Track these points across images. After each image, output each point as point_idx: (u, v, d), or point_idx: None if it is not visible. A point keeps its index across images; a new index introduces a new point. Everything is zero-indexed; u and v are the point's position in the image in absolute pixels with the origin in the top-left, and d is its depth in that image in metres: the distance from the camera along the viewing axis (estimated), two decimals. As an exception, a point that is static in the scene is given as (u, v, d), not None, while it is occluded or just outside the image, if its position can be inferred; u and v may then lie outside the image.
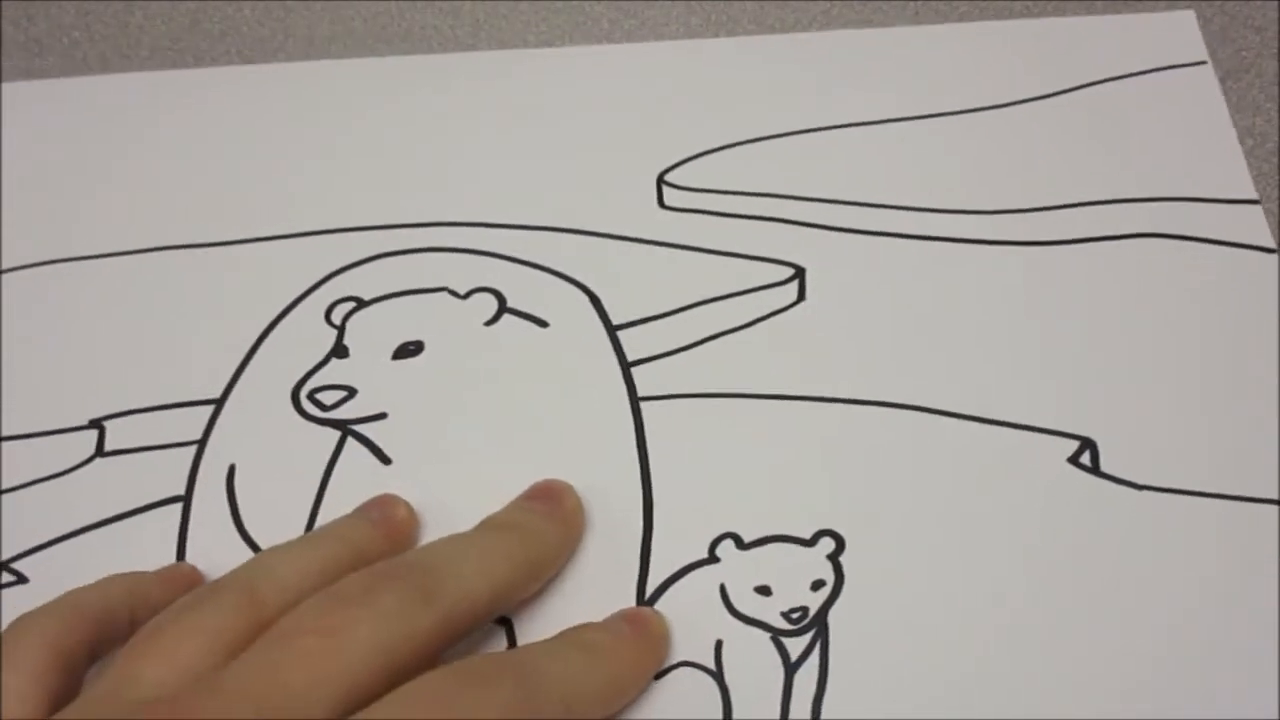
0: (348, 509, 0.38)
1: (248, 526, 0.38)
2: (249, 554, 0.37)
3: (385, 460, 0.39)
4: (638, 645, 0.34)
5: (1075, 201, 0.43)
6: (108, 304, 0.43)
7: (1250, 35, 0.46)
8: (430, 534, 0.38)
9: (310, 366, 0.41)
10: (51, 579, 0.35)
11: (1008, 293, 0.41)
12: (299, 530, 0.38)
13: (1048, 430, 0.38)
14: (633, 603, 0.36)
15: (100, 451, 0.40)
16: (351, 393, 0.40)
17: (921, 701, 0.34)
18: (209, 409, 0.40)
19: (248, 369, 0.41)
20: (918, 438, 0.38)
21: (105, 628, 0.33)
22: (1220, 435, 0.38)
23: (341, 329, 0.42)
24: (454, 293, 0.42)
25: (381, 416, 0.40)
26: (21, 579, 0.37)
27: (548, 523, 0.36)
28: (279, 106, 0.48)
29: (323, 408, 0.40)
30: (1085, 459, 0.38)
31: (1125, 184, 0.43)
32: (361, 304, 0.42)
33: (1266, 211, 0.42)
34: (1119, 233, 0.42)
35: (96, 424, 0.40)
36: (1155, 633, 0.35)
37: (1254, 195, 0.42)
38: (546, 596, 0.36)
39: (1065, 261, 0.42)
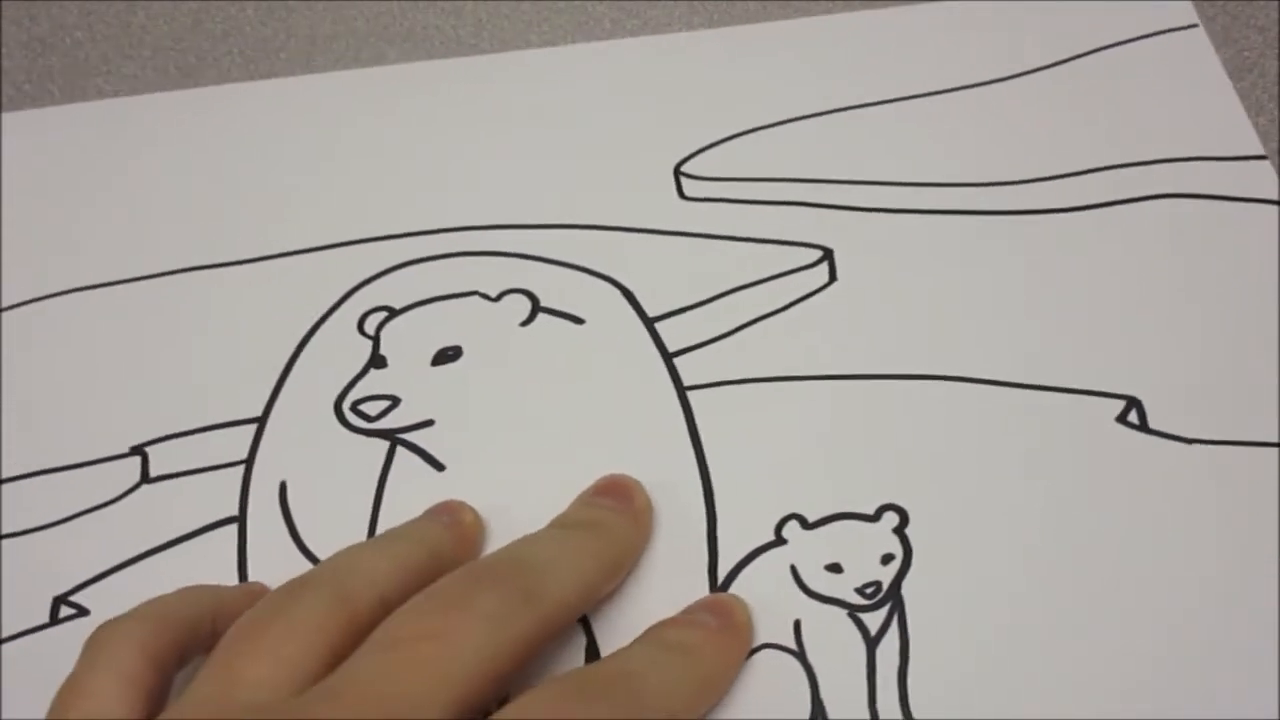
0: (407, 518, 0.37)
1: (307, 542, 0.38)
2: (312, 569, 0.36)
3: (439, 467, 0.39)
4: (726, 638, 0.34)
5: (1089, 168, 0.44)
6: (138, 329, 0.42)
7: (1253, 35, 0.47)
8: (493, 537, 0.37)
9: (349, 378, 0.41)
10: (113, 610, 0.34)
11: (1036, 260, 0.42)
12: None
13: (1092, 392, 0.39)
14: (706, 591, 0.36)
15: (145, 478, 0.39)
16: (395, 402, 0.40)
17: (1004, 663, 0.34)
18: (251, 428, 0.40)
19: (286, 385, 0.41)
20: (966, 407, 0.39)
21: (191, 633, 0.32)
22: (1261, 383, 0.38)
23: (376, 339, 0.41)
24: (485, 296, 0.42)
25: (429, 423, 0.39)
26: (82, 611, 0.37)
27: (623, 519, 0.36)
28: (290, 120, 0.48)
29: (368, 419, 0.40)
30: (1133, 417, 0.38)
31: (1134, 148, 0.44)
32: (393, 313, 0.42)
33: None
34: (1135, 195, 0.43)
35: (139, 450, 0.39)
36: (1220, 578, 0.35)
37: (1260, 151, 0.43)
38: (622, 591, 0.36)
39: (1088, 226, 0.42)
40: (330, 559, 0.34)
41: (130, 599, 0.34)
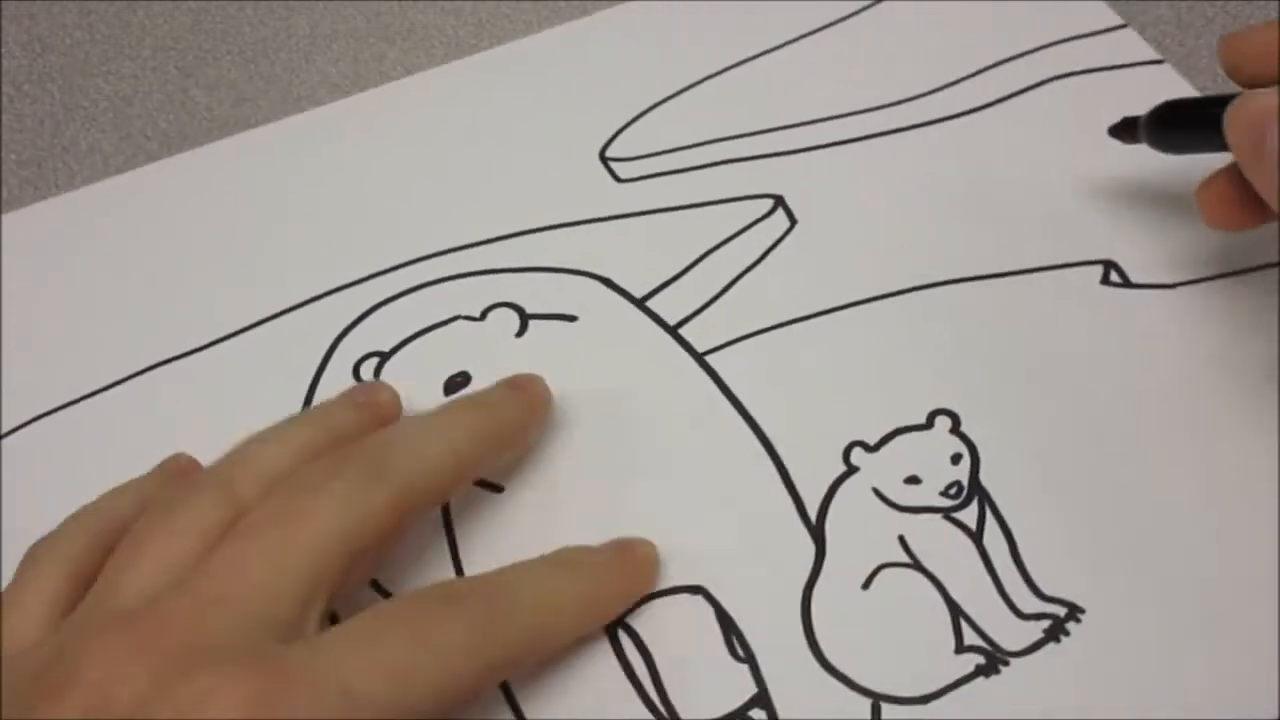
0: (487, 550, 0.37)
1: (388, 587, 0.36)
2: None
3: (498, 489, 0.38)
4: (620, 566, 0.35)
5: (981, 68, 0.46)
6: (132, 433, 0.40)
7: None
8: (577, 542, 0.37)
9: None
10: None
11: (967, 159, 0.44)
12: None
13: (1069, 264, 0.41)
14: (806, 535, 0.37)
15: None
16: None
17: (1097, 519, 0.37)
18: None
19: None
20: (967, 305, 0.41)
21: (117, 539, 0.33)
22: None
23: (378, 385, 0.40)
24: (470, 317, 0.42)
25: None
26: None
27: (508, 395, 0.37)
28: (212, 189, 0.46)
29: None
30: (1114, 277, 0.41)
31: (1012, 44, 0.47)
32: (385, 355, 0.41)
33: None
34: (1031, 83, 0.46)
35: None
36: (1225, 405, 0.38)
37: (1120, 22, 0.47)
38: (733, 553, 0.36)
39: (999, 119, 0.45)
40: (228, 453, 0.34)
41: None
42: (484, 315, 0.41)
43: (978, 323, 0.40)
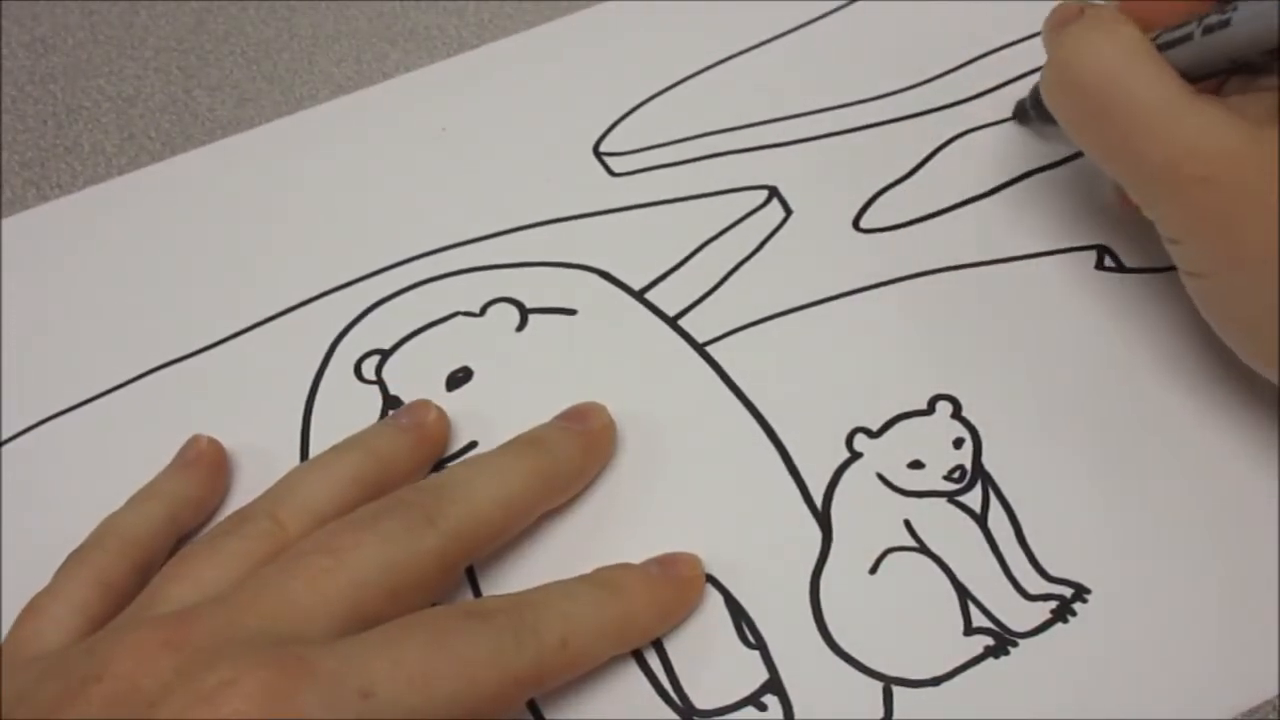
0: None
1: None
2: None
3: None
4: (661, 585, 0.35)
5: (972, 58, 0.47)
6: (138, 437, 0.40)
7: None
8: (578, 538, 0.37)
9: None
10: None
11: (962, 148, 0.44)
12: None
13: (1064, 249, 0.42)
14: (812, 521, 0.37)
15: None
16: None
17: (1098, 500, 0.37)
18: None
19: (311, 453, 0.39)
20: (964, 291, 0.41)
21: (148, 551, 0.35)
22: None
23: (381, 382, 0.40)
24: (469, 313, 0.42)
25: (472, 445, 0.39)
26: None
27: (569, 437, 0.37)
28: (203, 194, 0.46)
29: None
30: (1108, 262, 0.41)
31: (1003, 32, 0.47)
32: (386, 353, 0.41)
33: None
34: (1021, 72, 0.46)
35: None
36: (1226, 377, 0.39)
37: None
38: (738, 537, 0.37)
39: (993, 107, 0.45)
40: (276, 484, 0.35)
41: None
42: (483, 311, 0.41)
43: (975, 309, 0.41)
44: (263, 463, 0.39)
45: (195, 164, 0.46)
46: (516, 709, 0.33)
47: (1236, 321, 0.34)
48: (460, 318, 0.42)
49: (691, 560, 0.35)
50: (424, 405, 0.38)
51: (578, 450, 0.37)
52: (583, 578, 0.34)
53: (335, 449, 0.36)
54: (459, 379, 0.40)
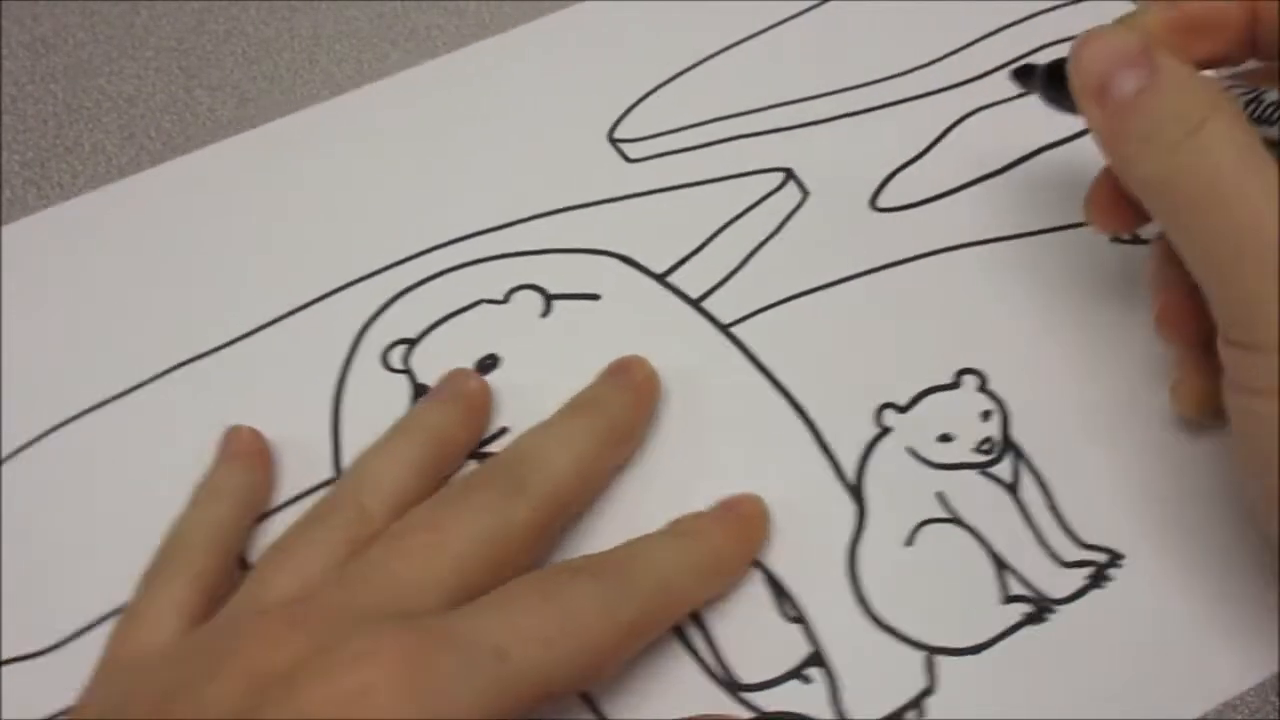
0: None
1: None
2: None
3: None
4: (733, 525, 0.36)
5: (986, 33, 0.47)
6: (161, 438, 0.40)
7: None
8: (615, 524, 0.38)
9: (399, 415, 0.39)
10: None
11: (984, 122, 0.45)
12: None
13: (1080, 224, 0.42)
14: (846, 496, 0.37)
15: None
16: None
17: (1132, 468, 0.38)
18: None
19: (343, 442, 0.40)
20: (985, 266, 0.42)
21: (233, 545, 0.36)
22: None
23: (409, 371, 0.40)
24: (493, 300, 0.42)
25: (504, 431, 0.39)
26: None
27: (619, 392, 0.38)
28: (223, 188, 0.46)
29: None
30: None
31: (1016, 8, 0.48)
32: (412, 342, 0.41)
33: None
34: (1032, 47, 0.47)
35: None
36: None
37: (1109, -14, 0.48)
38: (775, 518, 0.37)
39: (1007, 83, 0.46)
40: (348, 473, 0.36)
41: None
42: (507, 298, 0.42)
43: (996, 283, 0.41)
44: (295, 455, 0.39)
45: (205, 161, 0.46)
46: (631, 655, 0.33)
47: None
48: (484, 305, 0.42)
49: (753, 498, 0.37)
50: (462, 374, 0.39)
51: (630, 402, 0.38)
52: (664, 530, 0.35)
53: (395, 431, 0.37)
54: (487, 365, 0.40)
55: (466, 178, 0.45)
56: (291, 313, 0.43)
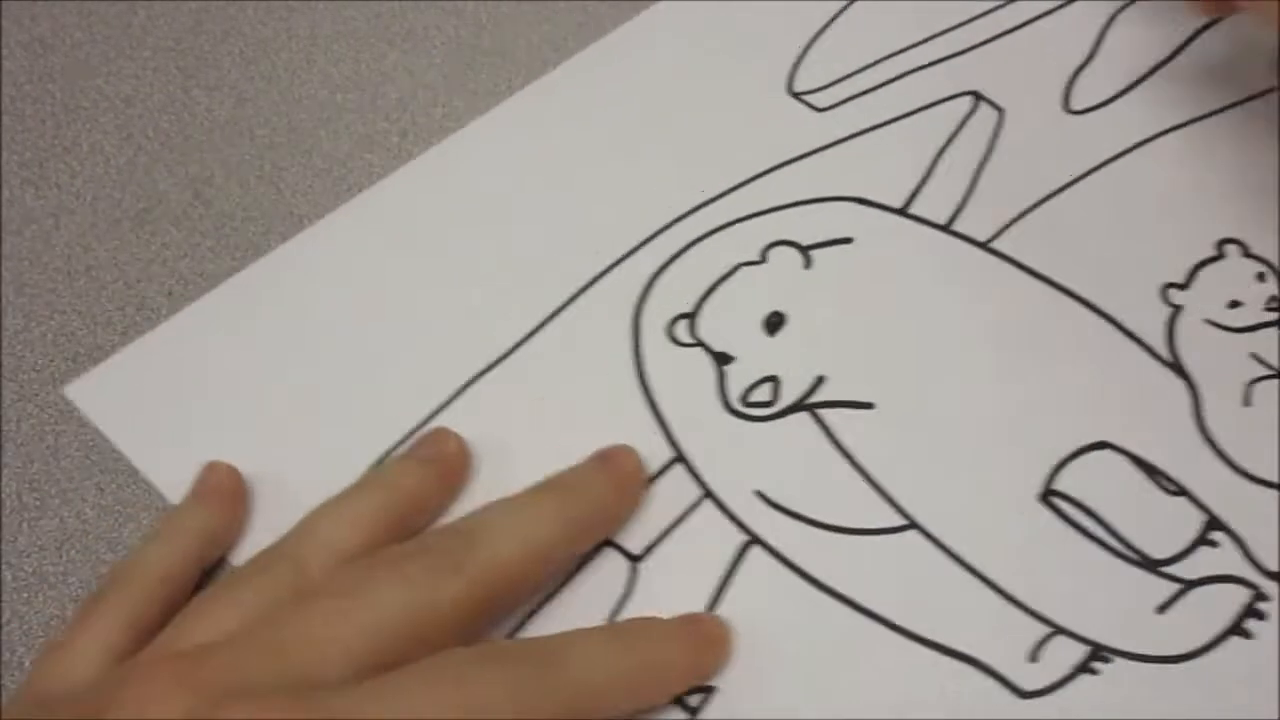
0: (881, 459, 0.38)
1: (828, 520, 0.38)
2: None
3: (868, 406, 0.39)
4: (686, 644, 0.34)
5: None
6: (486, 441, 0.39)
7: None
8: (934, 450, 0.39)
9: (713, 385, 0.40)
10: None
11: (1139, 16, 0.47)
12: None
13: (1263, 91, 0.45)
14: (1171, 374, 0.39)
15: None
16: (776, 380, 0.40)
17: None
18: (679, 471, 0.39)
19: (669, 421, 0.40)
20: (1199, 146, 0.44)
21: (177, 590, 0.35)
22: None
23: (701, 343, 0.41)
24: (751, 262, 0.43)
25: (821, 380, 0.40)
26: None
27: (599, 484, 0.36)
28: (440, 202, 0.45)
29: (768, 404, 0.40)
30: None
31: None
32: (691, 315, 0.42)
33: None
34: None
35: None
36: None
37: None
38: (1117, 404, 0.38)
39: None
40: (296, 526, 0.35)
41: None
42: (764, 257, 0.42)
43: (1210, 159, 0.43)
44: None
45: (429, 166, 0.46)
46: None
47: None
48: (744, 268, 0.42)
49: (716, 621, 0.35)
50: (443, 435, 0.37)
51: (609, 492, 0.36)
52: (605, 628, 0.34)
53: (356, 487, 0.36)
54: (774, 323, 0.41)
55: (669, 156, 0.46)
56: (560, 310, 0.43)
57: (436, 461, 0.36)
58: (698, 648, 0.34)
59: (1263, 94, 0.45)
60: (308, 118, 0.48)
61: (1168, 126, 0.44)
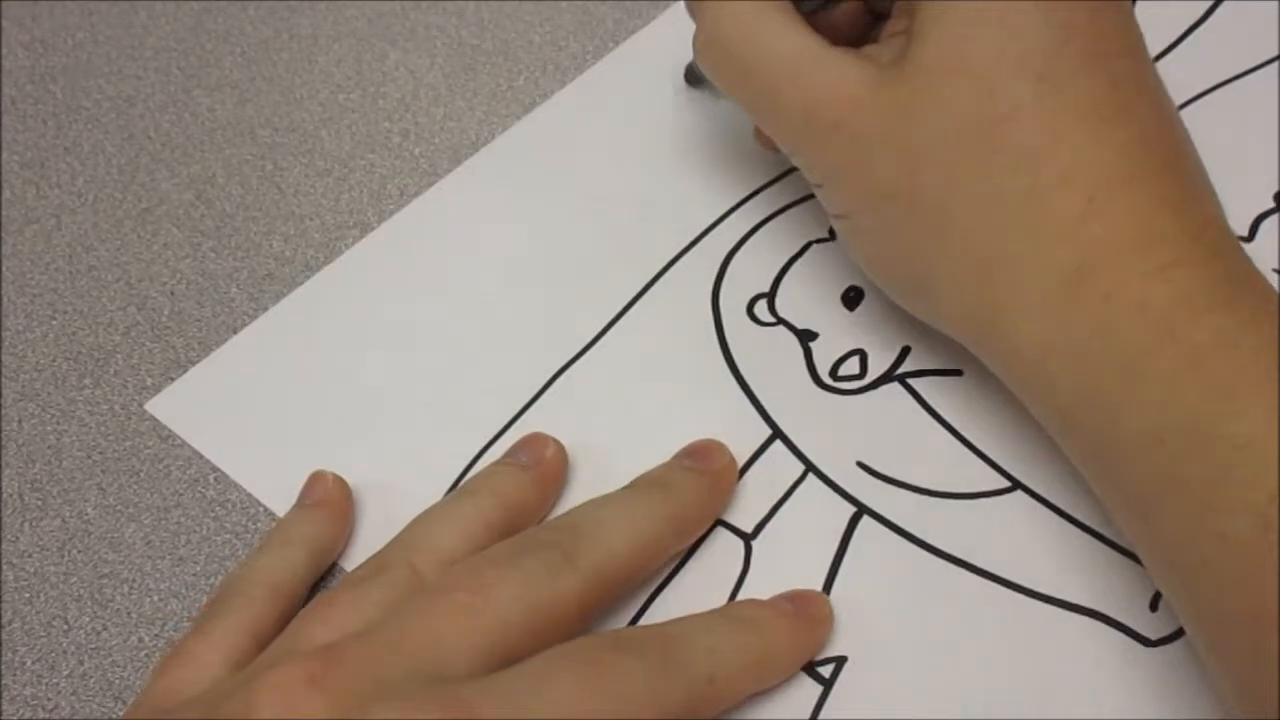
0: (980, 417, 0.37)
1: (932, 488, 0.36)
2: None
3: (957, 373, 0.38)
4: (796, 624, 0.33)
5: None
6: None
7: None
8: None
9: (800, 362, 0.39)
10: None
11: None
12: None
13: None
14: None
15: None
16: (862, 353, 0.39)
17: None
18: (778, 449, 0.38)
19: (763, 403, 0.39)
20: (1239, 105, 0.44)
21: (293, 597, 0.34)
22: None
23: (783, 321, 0.40)
24: (821, 239, 0.42)
25: (907, 351, 0.39)
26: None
27: (694, 479, 0.36)
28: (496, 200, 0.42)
29: (858, 377, 0.39)
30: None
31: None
32: (770, 294, 0.41)
33: None
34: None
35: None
36: None
37: None
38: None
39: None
40: (404, 531, 0.34)
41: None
42: (832, 234, 0.41)
43: (1253, 117, 0.43)
44: (728, 428, 0.38)
45: (494, 160, 0.45)
46: None
47: (877, 260, 0.35)
48: (815, 245, 0.42)
49: (821, 599, 0.34)
50: (541, 440, 0.37)
51: (704, 491, 0.36)
52: (722, 613, 0.33)
53: (461, 493, 0.35)
54: (852, 298, 0.40)
55: (727, 140, 0.45)
56: (636, 298, 0.41)
57: (536, 466, 0.36)
58: (807, 627, 0.33)
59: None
60: (309, 118, 0.47)
61: (1205, 88, 0.44)
